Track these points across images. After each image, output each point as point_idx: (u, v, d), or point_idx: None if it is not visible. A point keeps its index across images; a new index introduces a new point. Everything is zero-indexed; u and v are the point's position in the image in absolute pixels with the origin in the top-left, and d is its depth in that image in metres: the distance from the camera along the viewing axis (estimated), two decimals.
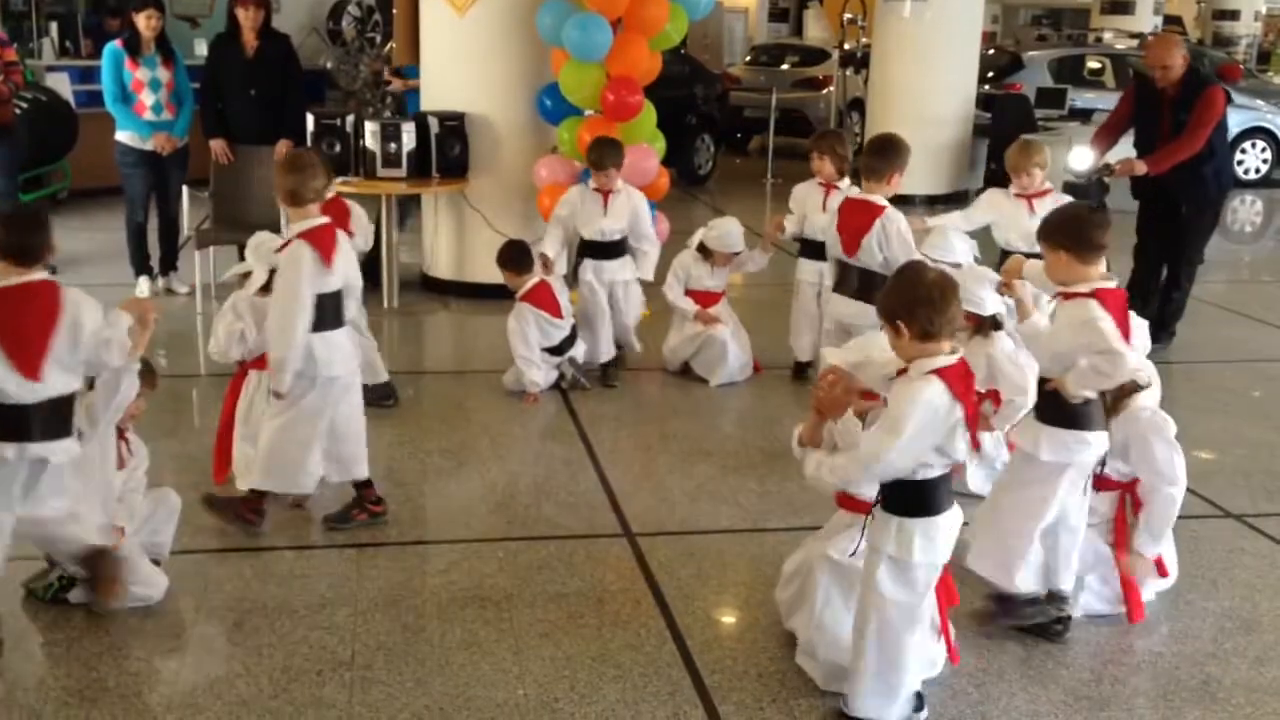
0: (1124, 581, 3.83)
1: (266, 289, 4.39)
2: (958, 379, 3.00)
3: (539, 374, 5.84)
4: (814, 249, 5.97)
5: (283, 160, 4.31)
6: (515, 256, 5.87)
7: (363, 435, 4.35)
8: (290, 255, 4.06)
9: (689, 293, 6.20)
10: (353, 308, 4.37)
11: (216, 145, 7.48)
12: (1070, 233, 3.55)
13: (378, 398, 5.43)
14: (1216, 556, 4.40)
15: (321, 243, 4.07)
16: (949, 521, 3.12)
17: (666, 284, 6.24)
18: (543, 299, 5.80)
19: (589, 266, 6.13)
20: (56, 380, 3.36)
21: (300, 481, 4.25)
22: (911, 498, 3.07)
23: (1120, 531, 3.89)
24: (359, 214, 5.46)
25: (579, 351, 6.02)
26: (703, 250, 6.17)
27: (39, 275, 3.38)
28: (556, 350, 5.92)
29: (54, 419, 3.40)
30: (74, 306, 3.37)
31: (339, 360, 4.17)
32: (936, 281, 3.05)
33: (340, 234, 4.23)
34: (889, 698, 3.18)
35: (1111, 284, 3.54)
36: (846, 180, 6.00)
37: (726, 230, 6.15)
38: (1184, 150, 6.50)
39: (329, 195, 4.41)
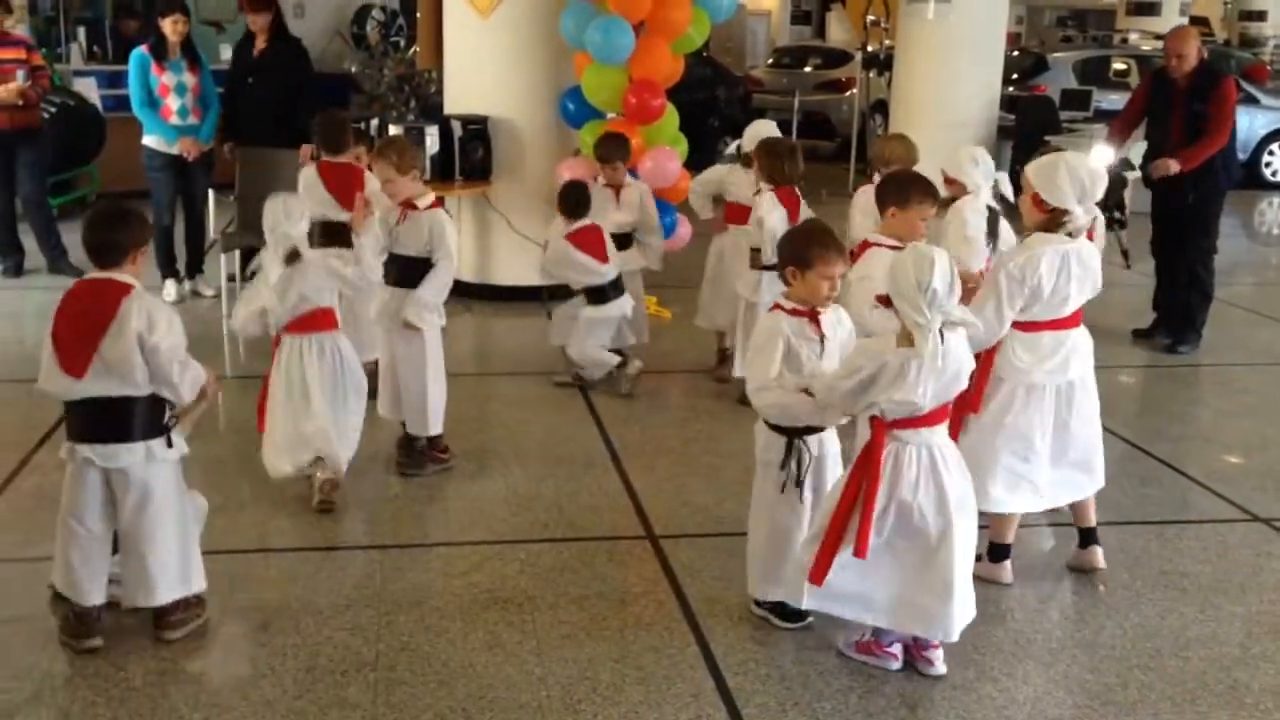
0: None
1: (292, 258, 4.44)
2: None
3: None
4: None
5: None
6: (568, 197, 5.94)
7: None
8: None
9: (729, 205, 6.20)
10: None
11: (223, 148, 7.60)
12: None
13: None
14: (1244, 560, 4.37)
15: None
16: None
17: (690, 192, 6.42)
18: (586, 241, 5.86)
19: None
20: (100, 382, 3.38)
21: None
22: None
23: None
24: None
25: (634, 368, 6.04)
26: (746, 160, 6.18)
27: (117, 276, 3.42)
28: (599, 297, 5.93)
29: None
30: (137, 314, 3.36)
31: None
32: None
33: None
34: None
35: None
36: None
37: (759, 129, 6.16)
38: (1214, 144, 6.76)
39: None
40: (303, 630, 3.67)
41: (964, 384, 3.35)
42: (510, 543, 4.34)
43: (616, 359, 6.02)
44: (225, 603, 3.82)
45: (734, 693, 3.40)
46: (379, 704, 3.30)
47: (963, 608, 3.40)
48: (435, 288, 4.79)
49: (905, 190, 4.29)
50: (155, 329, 3.36)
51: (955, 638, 3.41)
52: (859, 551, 3.30)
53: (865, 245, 4.32)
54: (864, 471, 3.32)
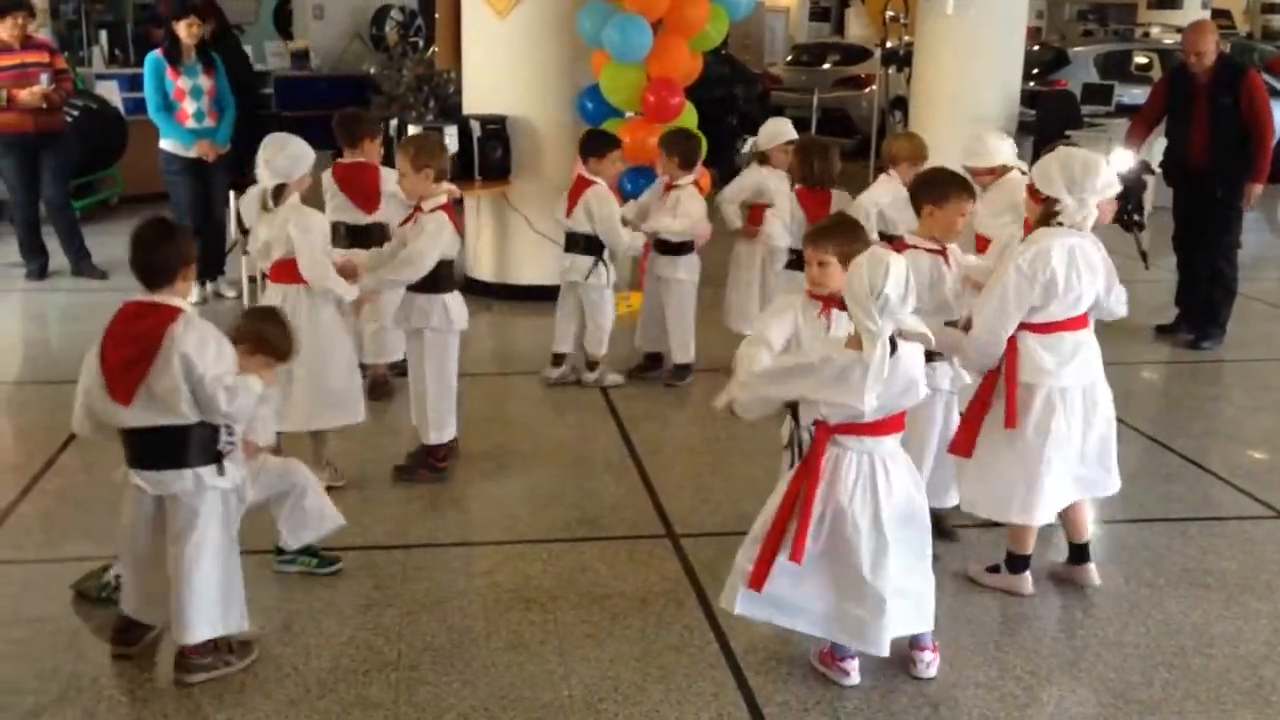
0: None
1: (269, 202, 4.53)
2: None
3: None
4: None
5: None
6: (589, 143, 5.95)
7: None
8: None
9: (754, 208, 6.19)
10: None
11: None
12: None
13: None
14: (1269, 557, 4.33)
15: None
16: None
17: (721, 196, 6.32)
18: (573, 186, 5.89)
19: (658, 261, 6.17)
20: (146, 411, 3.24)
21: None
22: None
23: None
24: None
25: (589, 378, 6.08)
26: (761, 158, 6.13)
27: (165, 299, 3.25)
28: (569, 245, 5.92)
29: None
30: (184, 342, 3.18)
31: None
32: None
33: None
34: None
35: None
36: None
37: (775, 128, 6.13)
38: (1265, 143, 6.75)
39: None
40: (325, 630, 3.69)
41: (918, 396, 3.27)
42: (531, 542, 4.35)
43: (564, 346, 6.05)
44: (247, 603, 3.83)
45: (755, 691, 3.40)
46: (402, 703, 3.31)
47: (901, 620, 3.31)
48: (377, 273, 4.71)
49: (943, 188, 4.12)
50: (204, 355, 3.18)
51: (885, 652, 3.32)
52: (795, 556, 3.23)
53: (903, 246, 4.16)
54: (803, 476, 3.26)
